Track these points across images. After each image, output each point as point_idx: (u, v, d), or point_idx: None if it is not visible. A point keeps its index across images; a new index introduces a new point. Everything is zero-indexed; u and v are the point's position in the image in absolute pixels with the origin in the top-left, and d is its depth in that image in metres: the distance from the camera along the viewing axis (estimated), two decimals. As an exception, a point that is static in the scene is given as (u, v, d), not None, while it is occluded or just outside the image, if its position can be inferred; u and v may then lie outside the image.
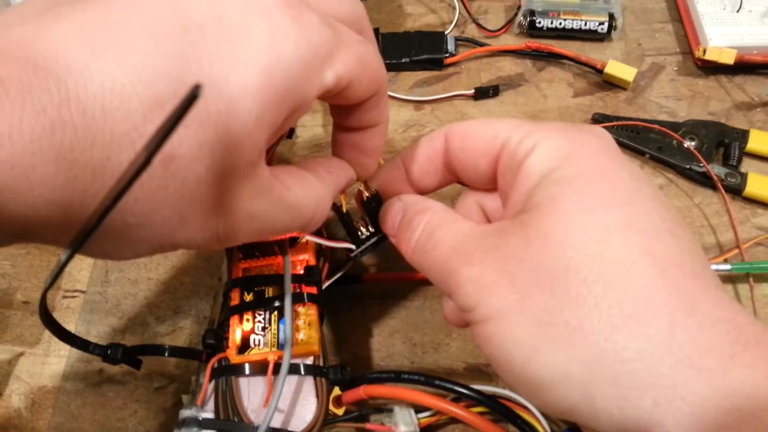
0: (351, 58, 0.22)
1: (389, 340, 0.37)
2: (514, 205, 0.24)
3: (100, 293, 0.39)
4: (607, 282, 0.20)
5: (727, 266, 0.36)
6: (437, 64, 0.47)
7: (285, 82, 0.19)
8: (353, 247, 0.31)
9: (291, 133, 0.35)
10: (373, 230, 0.31)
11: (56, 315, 0.38)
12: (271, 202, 0.23)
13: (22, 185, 0.16)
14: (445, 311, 0.27)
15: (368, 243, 0.31)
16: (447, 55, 0.47)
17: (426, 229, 0.26)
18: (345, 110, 0.26)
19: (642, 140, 0.42)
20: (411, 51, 0.47)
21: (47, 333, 0.37)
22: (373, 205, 0.30)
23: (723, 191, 0.40)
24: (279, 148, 0.40)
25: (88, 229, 0.14)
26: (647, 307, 0.20)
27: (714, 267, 0.36)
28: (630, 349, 0.20)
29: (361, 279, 0.37)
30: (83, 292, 0.39)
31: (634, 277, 0.20)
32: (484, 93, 0.46)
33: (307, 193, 0.25)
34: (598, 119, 0.43)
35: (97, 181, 0.17)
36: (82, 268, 0.40)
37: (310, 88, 0.21)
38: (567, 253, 0.21)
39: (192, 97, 0.10)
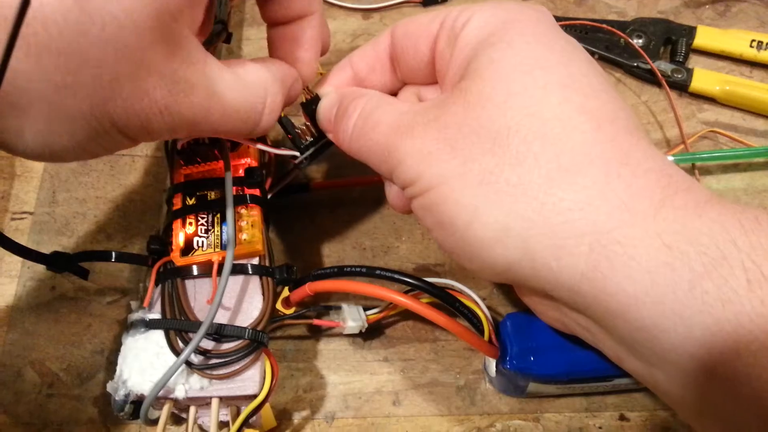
0: None
1: (340, 246, 0.37)
2: (452, 78, 0.24)
3: (48, 213, 0.39)
4: (546, 138, 0.21)
5: (670, 158, 0.37)
6: (385, -29, 0.46)
7: None
8: (297, 153, 0.30)
9: (229, 38, 0.34)
10: (317, 135, 0.30)
11: (5, 237, 0.38)
12: (214, 75, 0.22)
13: None
14: (389, 197, 0.27)
15: (312, 148, 0.30)
16: (395, -40, 0.46)
17: (362, 113, 0.26)
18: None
19: (590, 40, 0.42)
20: (357, -42, 0.46)
21: (-3, 254, 0.37)
22: (313, 108, 0.29)
23: (667, 87, 0.40)
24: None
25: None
26: (583, 159, 0.20)
27: (657, 160, 0.37)
28: (567, 200, 0.20)
29: (310, 187, 0.37)
30: (31, 213, 0.39)
31: (571, 133, 0.21)
32: (432, -2, 0.45)
33: (252, 77, 0.24)
34: (547, 21, 0.43)
35: None
36: (28, 190, 0.40)
37: None
38: (507, 114, 0.21)
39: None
